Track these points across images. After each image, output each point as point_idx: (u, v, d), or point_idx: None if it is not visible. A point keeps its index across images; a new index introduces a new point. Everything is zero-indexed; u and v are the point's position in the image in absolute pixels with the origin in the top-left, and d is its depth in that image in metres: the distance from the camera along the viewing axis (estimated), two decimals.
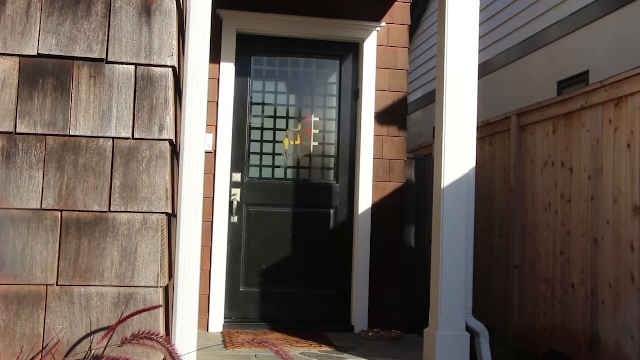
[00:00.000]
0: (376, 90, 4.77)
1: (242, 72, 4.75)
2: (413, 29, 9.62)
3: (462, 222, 3.45)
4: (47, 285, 2.26)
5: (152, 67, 2.43)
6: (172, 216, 2.60)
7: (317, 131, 4.93)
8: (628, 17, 5.58)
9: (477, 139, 3.73)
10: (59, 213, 2.30)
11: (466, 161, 3.48)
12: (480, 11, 3.60)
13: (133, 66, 2.41)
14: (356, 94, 4.85)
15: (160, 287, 2.33)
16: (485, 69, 7.40)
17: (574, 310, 4.11)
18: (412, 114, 9.38)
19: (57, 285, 2.26)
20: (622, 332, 3.60)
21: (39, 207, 2.28)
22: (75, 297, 2.27)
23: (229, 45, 4.62)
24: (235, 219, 4.60)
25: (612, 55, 5.69)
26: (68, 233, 2.29)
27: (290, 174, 4.82)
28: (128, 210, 2.34)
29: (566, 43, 6.45)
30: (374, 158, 4.73)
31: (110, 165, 2.36)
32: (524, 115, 4.87)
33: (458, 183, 3.45)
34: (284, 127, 4.86)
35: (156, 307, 2.27)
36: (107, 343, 2.16)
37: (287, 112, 4.89)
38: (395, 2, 4.84)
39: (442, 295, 3.39)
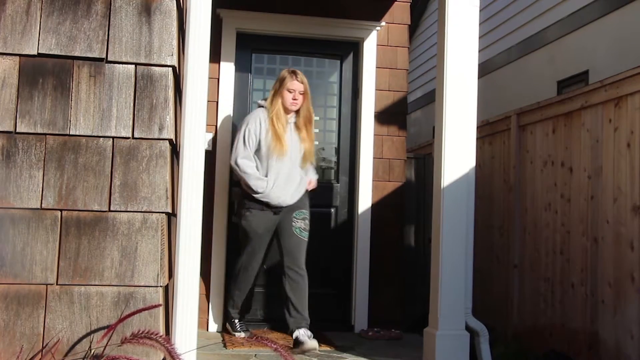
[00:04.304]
0: (376, 89, 4.77)
1: (242, 72, 4.75)
2: (413, 28, 9.62)
3: (462, 221, 3.45)
4: (47, 284, 2.26)
5: (152, 67, 2.43)
6: (172, 216, 2.60)
7: (317, 131, 4.93)
8: (628, 17, 5.58)
9: (477, 139, 3.73)
10: (59, 212, 2.30)
11: (466, 161, 3.48)
12: (480, 11, 3.60)
13: (133, 66, 2.41)
14: (356, 93, 4.85)
15: (160, 286, 2.33)
16: (485, 69, 7.41)
17: (574, 309, 4.11)
18: (412, 114, 9.39)
19: (57, 284, 2.27)
20: (622, 331, 3.60)
21: (39, 206, 2.29)
22: (75, 297, 2.27)
23: (229, 45, 4.63)
24: (235, 218, 4.59)
25: (612, 55, 5.69)
26: (68, 233, 2.30)
27: None
28: (128, 209, 2.34)
29: (566, 43, 6.45)
30: (374, 158, 4.74)
31: (110, 165, 2.36)
32: (524, 115, 4.87)
33: (458, 183, 3.45)
34: None
35: (156, 306, 2.27)
36: (107, 342, 2.16)
37: None
38: (395, 2, 4.84)
39: (442, 295, 3.39)
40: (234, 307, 4.19)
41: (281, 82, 4.00)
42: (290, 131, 4.01)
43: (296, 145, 4.00)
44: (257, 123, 3.96)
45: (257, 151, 3.97)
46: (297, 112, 4.04)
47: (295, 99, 3.96)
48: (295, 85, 3.96)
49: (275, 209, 3.97)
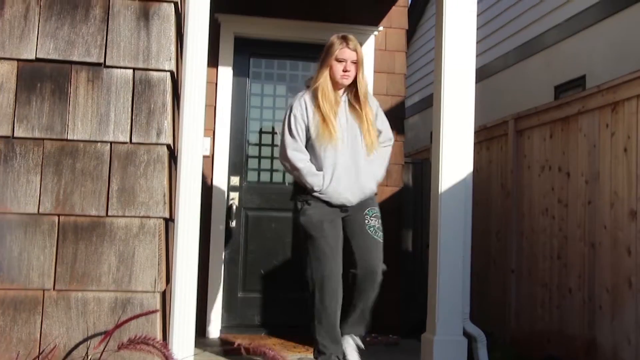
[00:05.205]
0: (374, 94, 4.77)
1: (240, 76, 4.75)
2: (411, 33, 9.62)
3: (459, 226, 3.45)
4: (44, 290, 2.25)
5: (150, 72, 2.43)
6: (169, 221, 2.60)
7: None
8: (625, 22, 5.60)
9: (475, 144, 3.73)
10: (57, 218, 2.29)
11: (463, 166, 3.48)
12: (477, 15, 3.61)
13: (131, 70, 2.42)
14: None
15: (158, 292, 2.32)
16: (482, 74, 7.42)
17: (572, 315, 4.11)
18: (409, 118, 9.40)
19: (54, 290, 2.26)
20: (619, 337, 3.60)
21: (36, 211, 2.28)
22: (72, 302, 2.26)
23: (227, 50, 4.63)
24: (233, 223, 4.58)
25: (609, 60, 5.71)
26: (65, 238, 2.29)
27: (289, 177, 4.81)
28: (126, 215, 2.34)
29: (563, 47, 6.47)
30: None
31: (108, 170, 2.35)
32: (521, 120, 4.88)
33: (455, 188, 3.45)
34: None
35: (153, 311, 2.27)
36: (104, 348, 2.16)
37: None
38: (393, 7, 4.85)
39: (439, 300, 3.39)
40: (322, 345, 3.27)
41: (328, 50, 3.22)
42: (344, 111, 3.26)
43: (354, 129, 3.25)
44: (302, 106, 3.21)
45: (307, 140, 3.22)
46: (350, 86, 3.29)
47: (346, 71, 3.20)
48: (347, 54, 3.19)
49: (341, 207, 3.25)
